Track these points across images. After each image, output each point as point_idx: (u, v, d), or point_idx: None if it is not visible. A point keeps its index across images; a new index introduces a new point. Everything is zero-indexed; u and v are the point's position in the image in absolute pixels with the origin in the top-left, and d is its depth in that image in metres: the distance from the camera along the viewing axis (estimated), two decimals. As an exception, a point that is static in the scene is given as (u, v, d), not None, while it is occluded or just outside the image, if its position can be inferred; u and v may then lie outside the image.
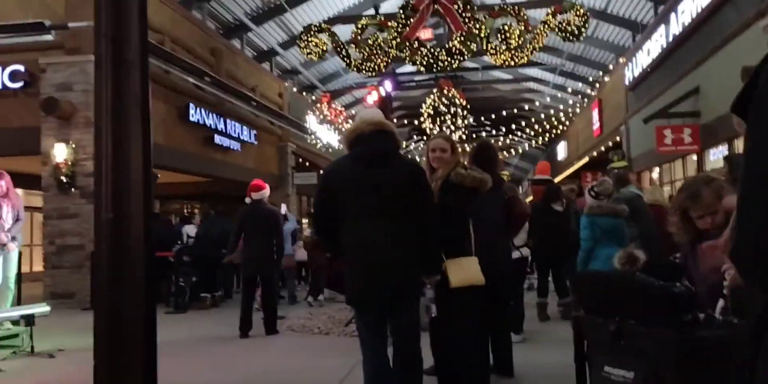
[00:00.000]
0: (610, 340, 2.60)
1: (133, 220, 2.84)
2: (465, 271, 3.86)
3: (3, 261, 7.36)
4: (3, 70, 10.98)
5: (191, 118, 13.34)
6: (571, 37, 13.79)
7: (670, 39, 13.07)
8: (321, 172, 14.75)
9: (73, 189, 10.66)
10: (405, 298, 3.50)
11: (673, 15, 12.78)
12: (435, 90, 16.65)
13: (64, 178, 10.61)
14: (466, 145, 18.09)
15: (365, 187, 3.44)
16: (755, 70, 1.04)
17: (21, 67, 10.96)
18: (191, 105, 13.37)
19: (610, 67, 19.05)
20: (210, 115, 14.15)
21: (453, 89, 16.27)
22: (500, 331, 5.01)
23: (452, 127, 16.04)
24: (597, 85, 20.39)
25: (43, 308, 6.74)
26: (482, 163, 4.49)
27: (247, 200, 7.98)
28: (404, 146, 20.41)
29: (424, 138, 15.86)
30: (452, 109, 16.15)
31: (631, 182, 6.11)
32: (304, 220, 14.21)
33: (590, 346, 2.85)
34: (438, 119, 16.21)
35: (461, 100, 16.21)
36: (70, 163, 10.63)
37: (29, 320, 6.38)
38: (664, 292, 2.46)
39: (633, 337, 2.53)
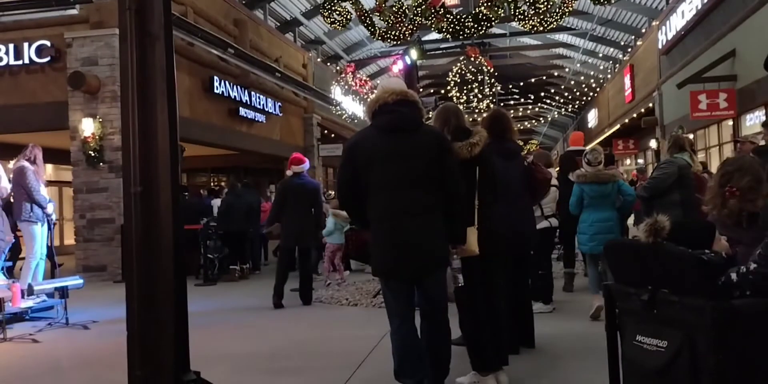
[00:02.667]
0: (642, 309, 2.57)
1: (161, 193, 2.86)
2: None
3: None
4: (30, 45, 11.01)
5: (215, 91, 13.30)
6: (602, 0, 13.37)
7: (706, 0, 12.59)
8: (345, 142, 14.57)
9: (101, 163, 10.73)
10: (433, 267, 3.49)
11: (709, -26, 12.30)
12: (461, 57, 16.39)
13: (92, 153, 10.69)
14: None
15: (392, 156, 3.43)
16: None
17: (47, 43, 10.97)
18: (215, 77, 13.32)
19: (643, 30, 18.48)
20: (234, 87, 14.10)
21: (480, 56, 15.99)
22: (521, 301, 4.94)
23: (479, 96, 15.80)
24: (629, 49, 19.84)
25: (76, 281, 6.86)
26: (495, 132, 4.43)
27: (288, 173, 7.99)
28: (429, 115, 20.14)
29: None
30: (479, 77, 15.90)
31: (686, 149, 6.04)
32: (330, 192, 14.17)
33: (622, 315, 2.82)
34: (465, 88, 15.99)
35: (489, 67, 15.94)
36: (97, 137, 10.68)
37: (63, 293, 6.49)
38: (696, 261, 2.43)
39: (666, 305, 2.50)
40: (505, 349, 4.18)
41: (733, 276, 2.40)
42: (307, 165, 7.97)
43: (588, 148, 6.66)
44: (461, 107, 6.91)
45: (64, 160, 11.61)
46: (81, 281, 6.91)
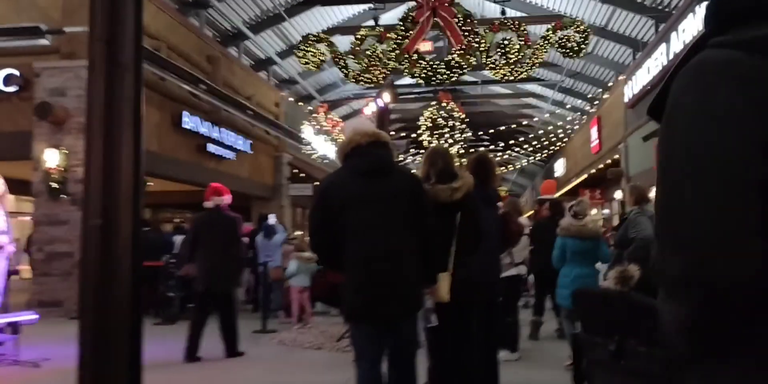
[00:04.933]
0: (610, 359, 2.55)
1: (121, 227, 2.79)
2: None
3: None
4: (-3, 73, 10.85)
5: (185, 126, 13.15)
6: (571, 53, 13.78)
7: (671, 57, 13.00)
8: (316, 184, 14.45)
9: (63, 195, 10.48)
10: (408, 312, 3.46)
11: (674, 33, 12.71)
12: (434, 103, 16.63)
13: (54, 184, 10.44)
14: (463, 159, 17.95)
15: (368, 199, 3.40)
16: (671, 73, 0.95)
17: (15, 72, 10.82)
18: (185, 112, 13.20)
19: (610, 84, 19.00)
20: (204, 123, 13.98)
21: (452, 102, 16.24)
22: (488, 349, 4.86)
23: (450, 141, 15.97)
24: (596, 102, 20.33)
25: (29, 316, 6.66)
26: (478, 177, 4.39)
27: (206, 204, 7.15)
28: (401, 159, 20.33)
29: (422, 151, 15.75)
30: (450, 123, 16.11)
31: (650, 200, 6.06)
32: (297, 232, 13.99)
33: (589, 366, 2.79)
34: (436, 132, 16.16)
35: (460, 113, 16.18)
36: (61, 168, 10.47)
37: (15, 328, 6.30)
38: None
39: (634, 356, 2.48)
40: None
41: None
42: (228, 198, 7.23)
43: (577, 200, 6.54)
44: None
45: (25, 192, 11.32)
46: (35, 316, 6.69)
